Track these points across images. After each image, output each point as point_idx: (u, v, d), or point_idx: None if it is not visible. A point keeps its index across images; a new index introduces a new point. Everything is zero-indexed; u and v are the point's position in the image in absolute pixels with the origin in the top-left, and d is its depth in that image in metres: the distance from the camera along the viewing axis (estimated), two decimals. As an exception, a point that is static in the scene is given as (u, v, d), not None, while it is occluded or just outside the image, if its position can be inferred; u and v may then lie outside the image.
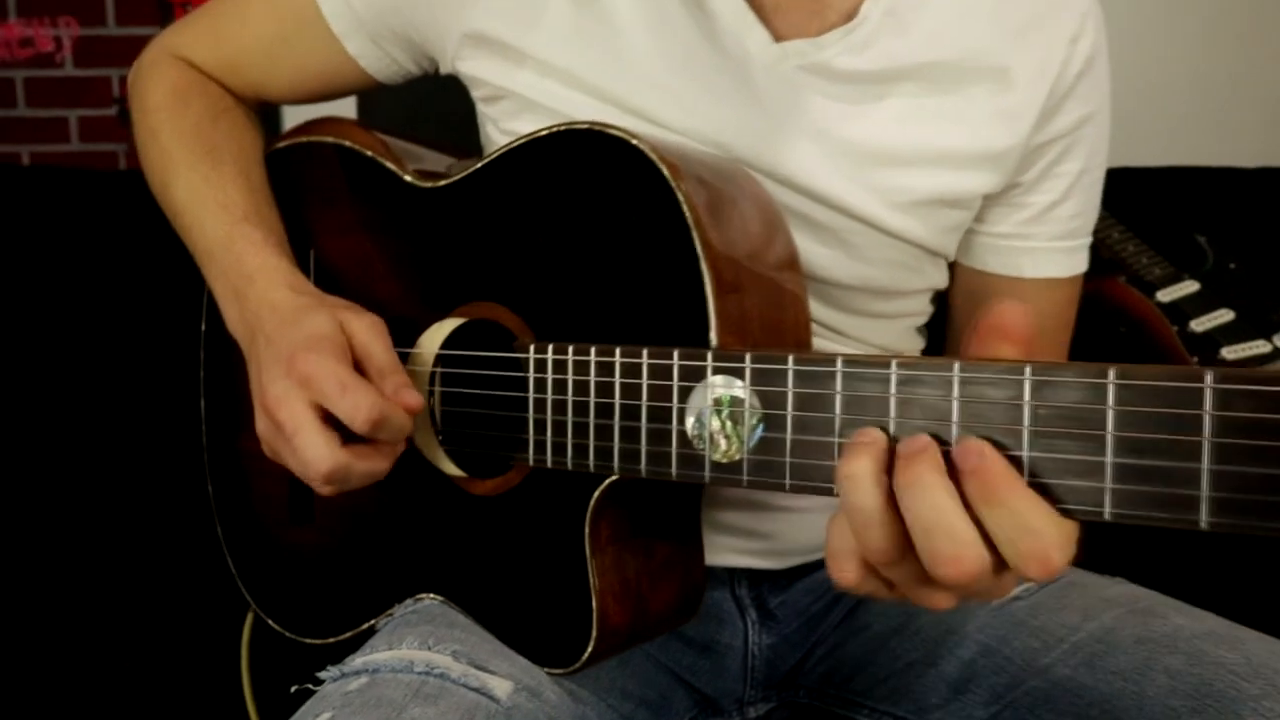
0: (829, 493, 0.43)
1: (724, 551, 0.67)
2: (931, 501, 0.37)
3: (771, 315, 0.53)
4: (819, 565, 0.71)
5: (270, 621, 0.73)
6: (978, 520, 0.37)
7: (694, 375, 0.48)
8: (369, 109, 1.65)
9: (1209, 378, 0.34)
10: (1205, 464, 0.34)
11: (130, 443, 1.22)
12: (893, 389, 0.41)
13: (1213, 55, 1.67)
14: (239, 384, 0.60)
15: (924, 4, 0.62)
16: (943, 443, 0.40)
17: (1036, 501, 0.37)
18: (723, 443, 0.46)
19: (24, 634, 0.99)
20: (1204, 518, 0.34)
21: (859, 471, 0.39)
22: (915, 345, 0.74)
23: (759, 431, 0.45)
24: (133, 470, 1.21)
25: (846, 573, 0.41)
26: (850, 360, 0.43)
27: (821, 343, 0.66)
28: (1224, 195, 1.51)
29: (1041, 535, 0.36)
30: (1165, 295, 1.32)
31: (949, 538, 0.37)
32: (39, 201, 1.38)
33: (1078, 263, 0.70)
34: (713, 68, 0.61)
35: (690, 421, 0.48)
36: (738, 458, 0.46)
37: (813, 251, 0.63)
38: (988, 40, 0.62)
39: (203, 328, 0.77)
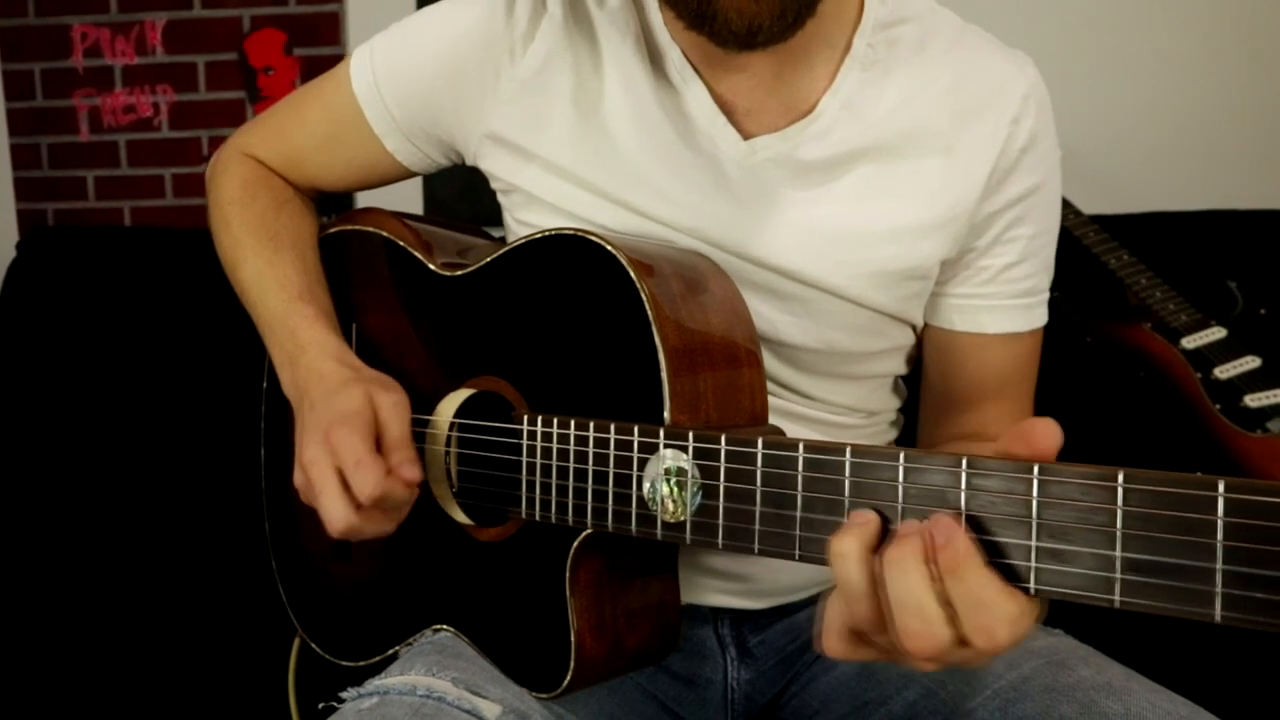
0: (752, 552, 0.51)
1: (707, 592, 0.75)
2: (908, 582, 0.42)
3: (728, 395, 0.61)
4: (796, 607, 0.78)
5: (313, 645, 0.84)
6: (948, 599, 0.42)
7: (649, 448, 0.56)
8: (431, 180, 1.79)
9: (1221, 487, 0.36)
10: (1219, 564, 0.36)
11: (202, 486, 1.36)
12: (800, 468, 0.49)
13: (1247, 97, 1.67)
14: (292, 436, 0.71)
15: (878, 96, 0.69)
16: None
17: (991, 579, 0.41)
18: (670, 506, 0.55)
19: (102, 654, 1.11)
20: (1219, 612, 0.37)
21: (847, 550, 0.44)
22: (889, 404, 0.80)
23: (699, 498, 0.53)
24: (203, 511, 1.35)
25: (833, 646, 0.46)
26: (769, 443, 0.51)
27: (791, 405, 0.73)
28: (1258, 239, 1.50)
29: (991, 610, 0.41)
30: (1190, 342, 1.33)
31: (918, 616, 0.42)
32: (136, 259, 1.54)
33: (1036, 318, 0.75)
34: (690, 165, 0.69)
35: (646, 486, 0.56)
36: (682, 519, 0.54)
37: (779, 320, 0.70)
38: (934, 122, 0.68)
39: (264, 385, 0.89)
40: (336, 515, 0.62)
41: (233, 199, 0.81)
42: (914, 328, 0.76)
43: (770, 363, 0.71)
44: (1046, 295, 0.76)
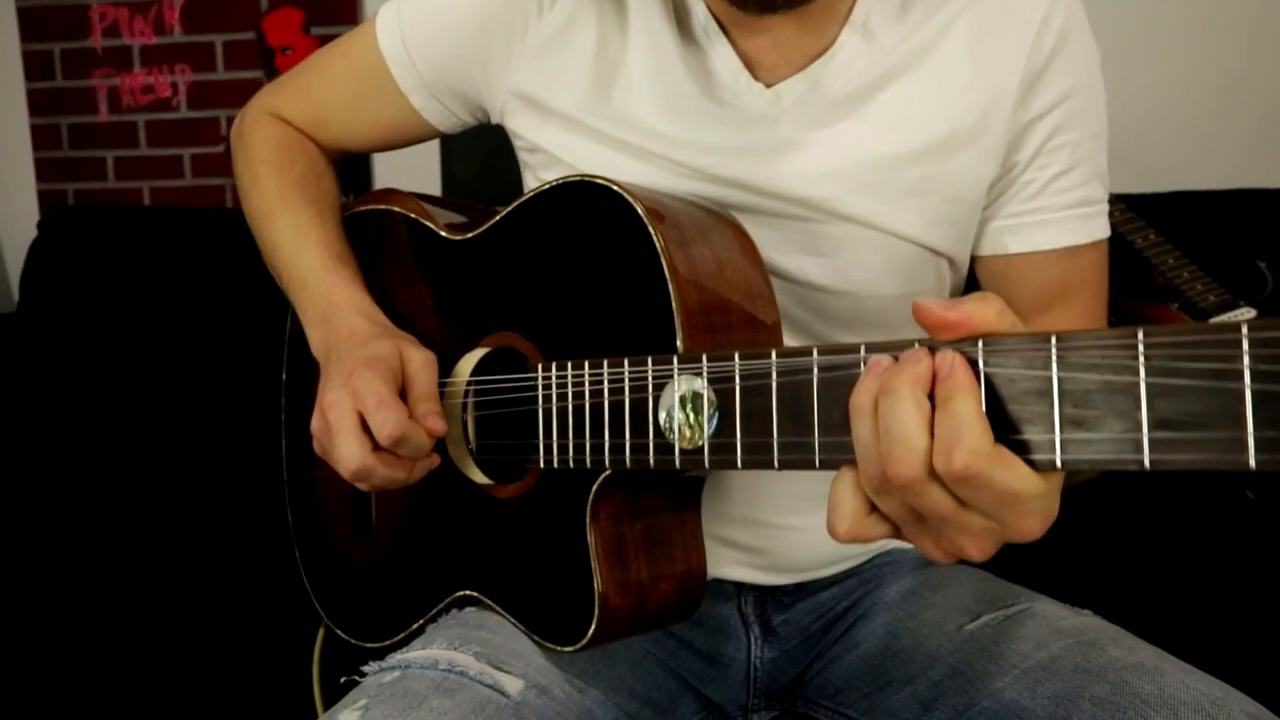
0: (772, 467, 0.49)
1: (729, 565, 0.74)
2: (900, 410, 0.41)
3: (743, 333, 0.60)
4: (820, 585, 0.77)
5: (338, 631, 0.83)
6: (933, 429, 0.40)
7: (664, 377, 0.55)
8: (450, 161, 1.79)
9: (1244, 329, 0.35)
10: (1249, 409, 0.35)
11: (221, 472, 1.36)
12: (815, 372, 0.47)
13: (1276, 74, 1.64)
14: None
15: (900, 17, 0.67)
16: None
17: (978, 416, 0.40)
18: (687, 432, 0.53)
19: (132, 643, 1.12)
20: (1252, 458, 0.35)
21: (861, 404, 0.42)
22: None
23: (715, 420, 0.52)
24: (221, 496, 1.35)
25: (840, 522, 0.44)
26: (783, 352, 0.49)
27: None
28: (1289, 219, 1.47)
29: (962, 437, 0.39)
30: (1218, 322, 1.31)
31: (903, 442, 0.40)
32: (156, 239, 1.54)
33: (1096, 229, 0.72)
34: (712, 118, 0.69)
35: (663, 416, 0.55)
36: (700, 444, 0.53)
37: (807, 263, 0.69)
38: (957, 33, 0.67)
39: (283, 377, 0.89)
40: (351, 454, 0.61)
41: (267, 158, 0.80)
42: (951, 263, 0.73)
43: (796, 311, 0.70)
44: (1104, 206, 0.72)
